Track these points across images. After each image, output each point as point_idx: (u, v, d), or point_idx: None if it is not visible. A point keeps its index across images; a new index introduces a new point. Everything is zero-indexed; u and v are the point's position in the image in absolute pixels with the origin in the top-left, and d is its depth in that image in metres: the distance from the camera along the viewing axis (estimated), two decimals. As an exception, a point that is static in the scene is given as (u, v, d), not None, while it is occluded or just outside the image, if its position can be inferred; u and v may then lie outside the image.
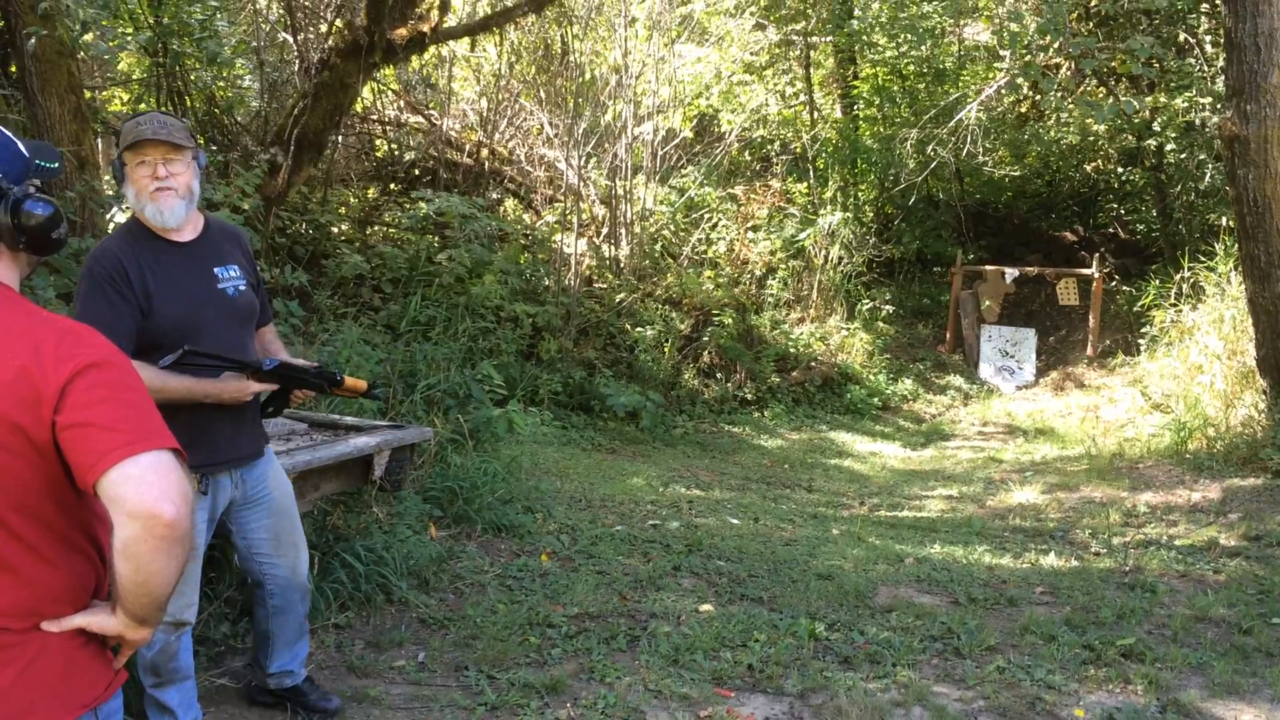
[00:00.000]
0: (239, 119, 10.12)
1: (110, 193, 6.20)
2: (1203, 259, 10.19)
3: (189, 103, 8.83)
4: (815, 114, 15.97)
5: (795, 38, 15.44)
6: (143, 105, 10.01)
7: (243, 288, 3.19)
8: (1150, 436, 9.24)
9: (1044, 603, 5.08)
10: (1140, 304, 12.21)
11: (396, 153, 12.53)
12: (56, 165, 1.87)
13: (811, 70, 16.10)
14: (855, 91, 15.82)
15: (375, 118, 12.35)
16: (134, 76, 10.03)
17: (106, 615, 1.71)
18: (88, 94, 7.25)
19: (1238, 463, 7.74)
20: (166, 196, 2.95)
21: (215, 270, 3.12)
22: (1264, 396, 7.99)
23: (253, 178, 6.86)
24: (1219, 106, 11.23)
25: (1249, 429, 8.05)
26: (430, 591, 4.71)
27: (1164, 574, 5.56)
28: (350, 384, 3.41)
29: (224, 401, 3.05)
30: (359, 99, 10.36)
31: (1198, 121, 12.57)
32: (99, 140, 9.28)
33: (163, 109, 8.85)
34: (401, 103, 12.65)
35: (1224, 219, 11.55)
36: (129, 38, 7.92)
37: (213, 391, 3.01)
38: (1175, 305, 10.66)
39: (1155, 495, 7.42)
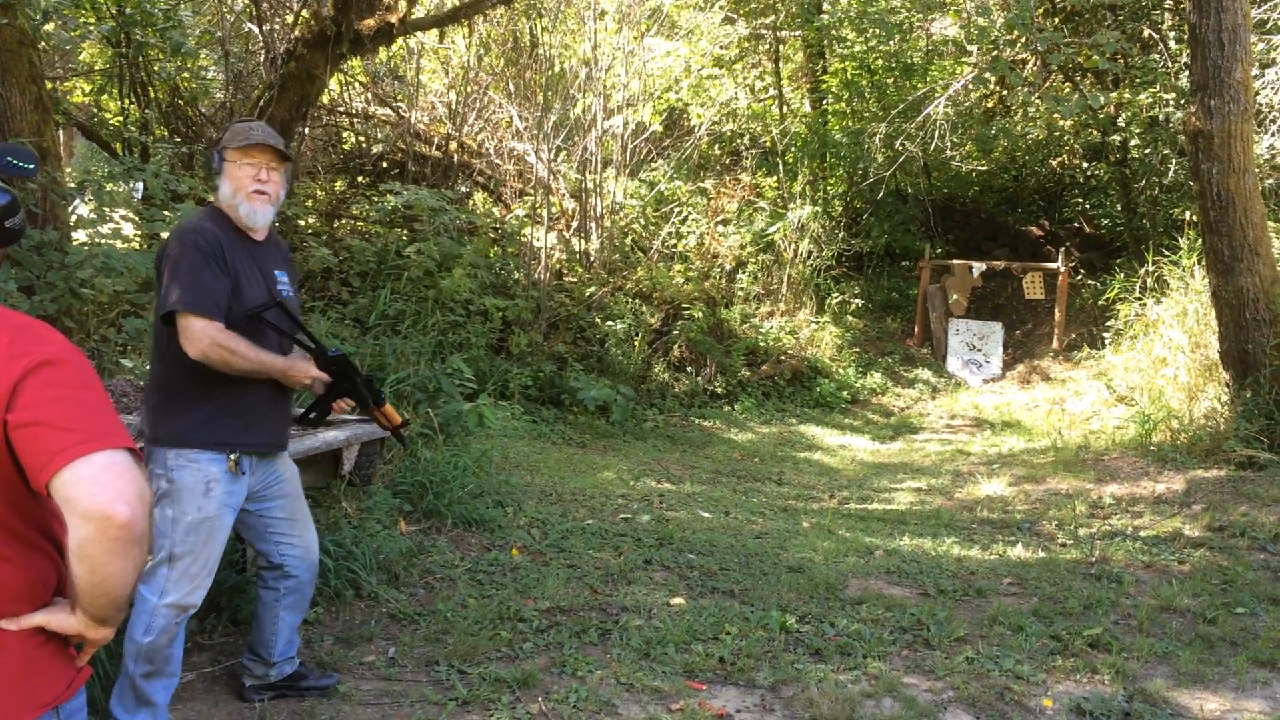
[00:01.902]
0: (203, 110, 10.00)
1: (72, 185, 6.11)
2: (1166, 253, 10.31)
3: (152, 93, 8.72)
4: (784, 108, 16.00)
5: (764, 32, 15.47)
6: (105, 97, 9.89)
7: (291, 293, 3.38)
8: (1115, 429, 9.34)
9: (1012, 594, 5.12)
10: (1105, 298, 12.34)
11: (364, 145, 12.44)
12: (32, 166, 1.82)
13: (781, 64, 16.13)
14: (824, 86, 15.87)
15: (342, 110, 12.25)
16: (96, 67, 9.90)
17: (66, 614, 1.67)
18: (49, 84, 7.13)
19: (1201, 454, 7.83)
20: (262, 200, 3.20)
21: (275, 272, 3.32)
22: (1226, 389, 8.09)
23: (218, 169, 6.77)
24: (1183, 102, 11.36)
25: (1212, 421, 8.15)
26: (400, 586, 4.67)
27: (1129, 565, 5.62)
28: (389, 410, 3.51)
29: (288, 379, 3.20)
30: (325, 90, 10.27)
31: (1161, 117, 12.71)
32: (60, 131, 9.16)
33: (125, 100, 8.74)
34: (369, 95, 12.56)
35: (1187, 213, 11.68)
36: (91, 27, 7.81)
37: (283, 367, 3.17)
38: (1139, 299, 10.78)
39: (1120, 487, 7.49)
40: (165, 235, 3.19)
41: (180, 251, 3.05)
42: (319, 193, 11.43)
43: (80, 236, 5.99)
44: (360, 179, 12.06)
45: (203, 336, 2.97)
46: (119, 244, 5.99)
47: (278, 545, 3.42)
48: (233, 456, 3.11)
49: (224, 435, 3.11)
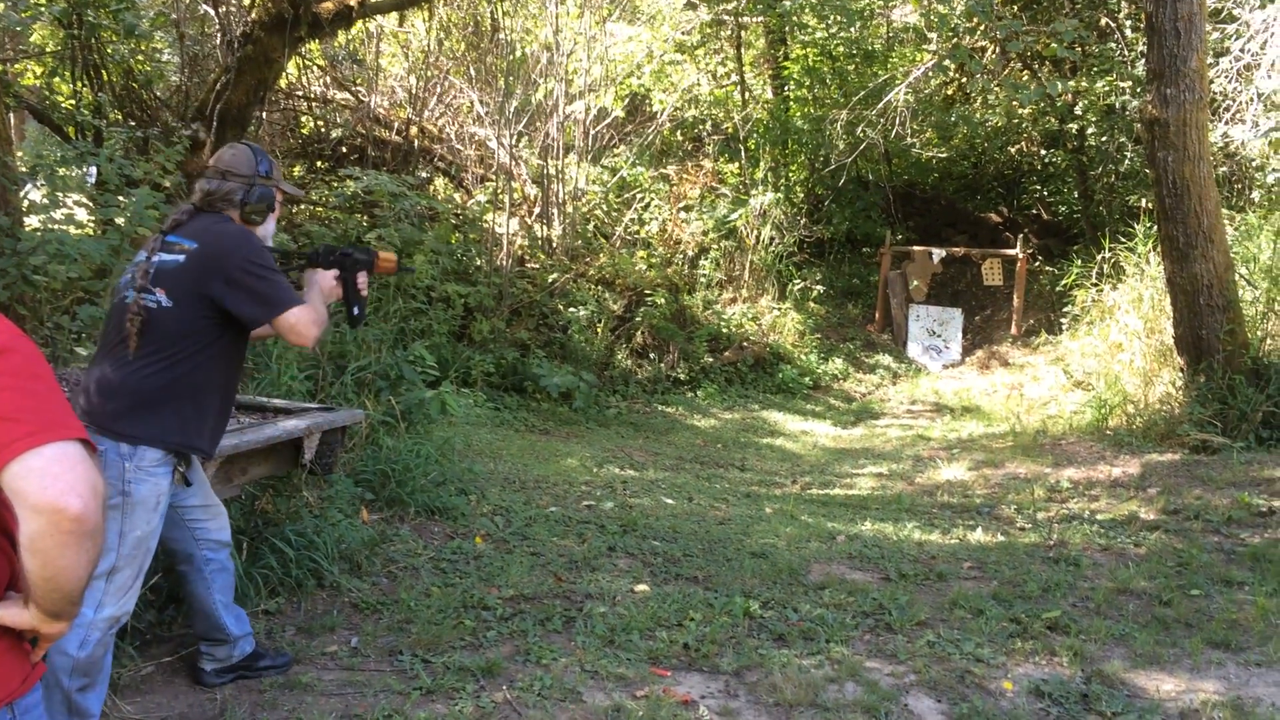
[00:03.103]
0: (158, 94, 9.83)
1: (24, 169, 5.98)
2: (1123, 240, 10.44)
3: (105, 76, 8.55)
4: (746, 94, 16.01)
5: (726, 17, 15.45)
6: (57, 79, 9.69)
7: None
8: (1072, 413, 9.46)
9: (972, 577, 5.17)
10: (1062, 284, 12.50)
11: (323, 130, 12.29)
12: None
13: (743, 50, 16.13)
14: (786, 72, 15.89)
15: (300, 94, 12.10)
16: (47, 49, 9.70)
17: (19, 609, 1.63)
18: (-2, 66, 6.98)
19: (1156, 438, 7.96)
20: None
21: None
22: (1181, 374, 8.22)
23: (174, 154, 6.67)
24: (1139, 90, 11.50)
25: (1166, 405, 8.28)
26: (363, 576, 4.64)
27: (1087, 548, 5.70)
28: (387, 256, 3.63)
29: (330, 296, 3.42)
30: (283, 74, 10.13)
31: (1118, 105, 12.85)
32: (11, 115, 8.95)
33: (78, 83, 8.58)
34: (328, 79, 12.41)
35: (1143, 201, 11.86)
36: (42, 9, 7.64)
37: (326, 292, 3.41)
38: (1096, 285, 10.92)
39: (1077, 471, 7.59)
40: (188, 245, 3.15)
41: (264, 257, 3.14)
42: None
43: (32, 222, 5.86)
44: (319, 164, 11.93)
45: (312, 324, 3.15)
46: (72, 230, 5.87)
47: (192, 530, 3.43)
48: (180, 470, 3.13)
49: (202, 441, 3.17)
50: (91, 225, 6.51)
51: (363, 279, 3.51)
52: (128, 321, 3.06)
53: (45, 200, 5.67)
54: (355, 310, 3.51)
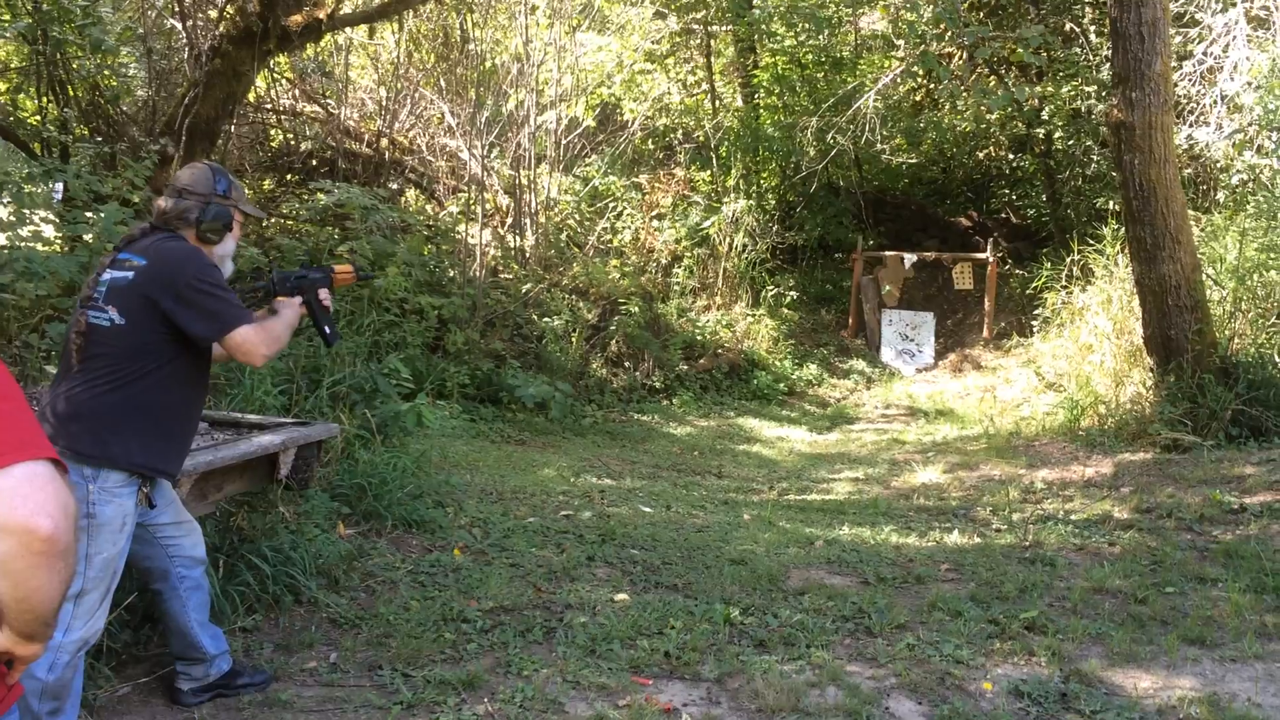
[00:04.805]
0: (125, 109, 9.75)
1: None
2: (1091, 242, 10.54)
3: (71, 92, 8.48)
4: (717, 102, 16.07)
5: (696, 26, 15.51)
6: (21, 95, 9.60)
7: None
8: (1045, 415, 9.53)
9: (949, 580, 5.20)
10: (1032, 287, 12.61)
11: (293, 142, 12.24)
12: None
13: (712, 59, 16.19)
14: (756, 80, 15.96)
15: (270, 107, 12.04)
16: (11, 65, 9.62)
17: (-8, 631, 1.61)
18: (-38, 83, 6.90)
19: (1128, 438, 8.03)
20: None
21: None
22: (1151, 374, 8.30)
23: (142, 169, 6.62)
24: (1104, 94, 11.63)
25: (1138, 405, 8.36)
26: (340, 591, 4.61)
27: (1062, 548, 5.74)
28: (343, 270, 3.75)
29: (294, 323, 3.46)
30: (252, 88, 10.08)
31: (1084, 109, 12.99)
32: (-25, 131, 8.84)
33: (43, 98, 8.51)
34: (297, 91, 12.35)
35: (1111, 203, 11.98)
36: (6, 24, 7.58)
37: (291, 320, 3.44)
38: (1066, 287, 11.01)
39: (1051, 471, 7.65)
40: (138, 261, 3.13)
41: (212, 275, 3.15)
42: (247, 191, 11.20)
43: (-1, 239, 5.81)
44: (289, 177, 11.87)
45: (261, 343, 3.15)
46: (40, 247, 5.82)
47: (165, 547, 3.40)
48: (145, 490, 3.10)
49: (164, 462, 3.15)
50: (59, 242, 6.46)
51: (325, 294, 3.60)
52: (71, 339, 3.05)
53: (12, 217, 5.62)
54: (327, 329, 3.59)
